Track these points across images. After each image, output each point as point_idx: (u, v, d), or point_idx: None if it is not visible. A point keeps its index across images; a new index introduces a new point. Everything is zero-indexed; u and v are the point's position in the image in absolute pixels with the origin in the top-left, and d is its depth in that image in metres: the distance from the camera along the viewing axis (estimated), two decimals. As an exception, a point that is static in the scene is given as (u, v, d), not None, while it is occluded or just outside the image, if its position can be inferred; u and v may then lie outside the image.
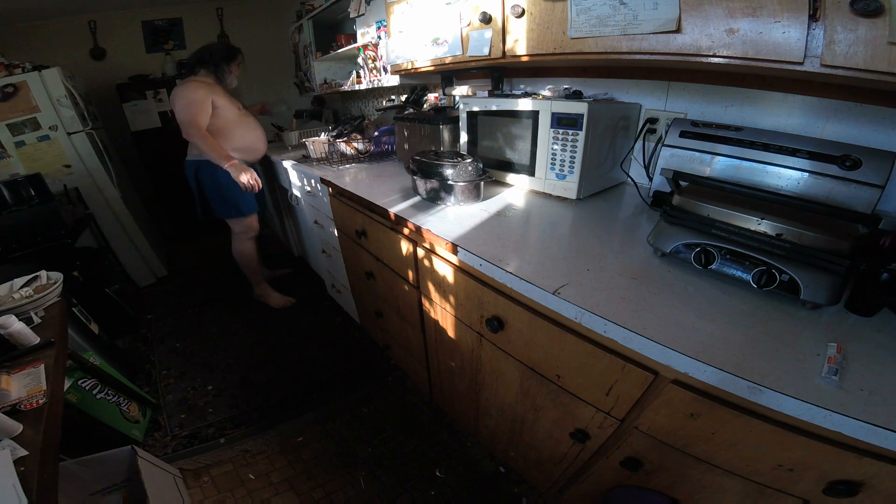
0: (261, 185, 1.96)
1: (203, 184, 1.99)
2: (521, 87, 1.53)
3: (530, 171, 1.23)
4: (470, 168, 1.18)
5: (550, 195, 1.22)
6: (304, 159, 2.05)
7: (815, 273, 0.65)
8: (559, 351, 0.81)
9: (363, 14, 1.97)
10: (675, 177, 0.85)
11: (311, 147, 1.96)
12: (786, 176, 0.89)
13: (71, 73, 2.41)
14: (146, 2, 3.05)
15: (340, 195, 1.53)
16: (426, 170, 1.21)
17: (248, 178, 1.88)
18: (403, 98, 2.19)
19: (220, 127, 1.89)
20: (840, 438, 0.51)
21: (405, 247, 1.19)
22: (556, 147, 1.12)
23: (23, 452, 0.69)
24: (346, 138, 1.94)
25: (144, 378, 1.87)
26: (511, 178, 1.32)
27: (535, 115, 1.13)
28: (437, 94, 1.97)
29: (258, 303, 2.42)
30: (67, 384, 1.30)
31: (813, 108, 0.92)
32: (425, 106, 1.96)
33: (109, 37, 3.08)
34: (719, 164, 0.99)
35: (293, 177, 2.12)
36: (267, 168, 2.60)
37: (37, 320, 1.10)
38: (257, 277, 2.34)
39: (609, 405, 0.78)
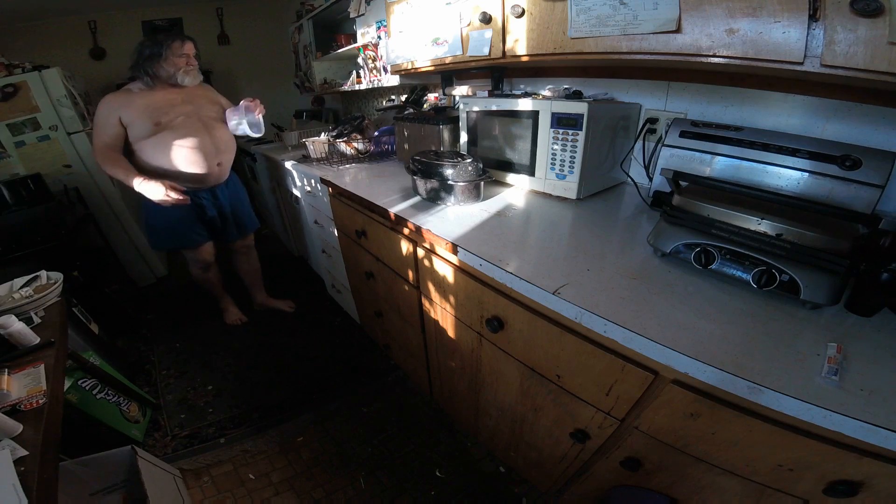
0: (178, 198, 1.56)
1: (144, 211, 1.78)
2: (521, 87, 1.53)
3: (530, 171, 1.23)
4: (470, 168, 1.18)
5: (550, 195, 1.22)
6: (304, 159, 2.05)
7: (815, 273, 0.65)
8: (559, 351, 0.81)
9: (363, 14, 1.97)
10: (675, 177, 0.85)
11: (311, 147, 1.96)
12: (786, 176, 0.89)
13: (71, 73, 2.41)
14: (146, 2, 3.06)
15: (340, 195, 1.53)
16: (426, 170, 1.21)
17: (160, 193, 1.53)
18: (403, 98, 2.19)
19: (133, 148, 1.61)
20: (840, 438, 0.51)
21: (405, 247, 1.19)
22: (556, 147, 1.12)
23: (23, 452, 0.69)
24: (346, 138, 1.94)
25: (144, 378, 1.87)
26: (511, 178, 1.32)
27: (535, 115, 1.13)
28: (437, 94, 1.97)
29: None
30: (67, 384, 1.30)
31: (813, 108, 0.92)
32: (425, 106, 1.96)
33: (109, 37, 3.08)
34: (719, 164, 0.99)
35: (293, 177, 2.12)
36: (273, 170, 2.60)
37: (37, 320, 1.10)
38: (217, 295, 2.19)
39: (609, 405, 0.78)
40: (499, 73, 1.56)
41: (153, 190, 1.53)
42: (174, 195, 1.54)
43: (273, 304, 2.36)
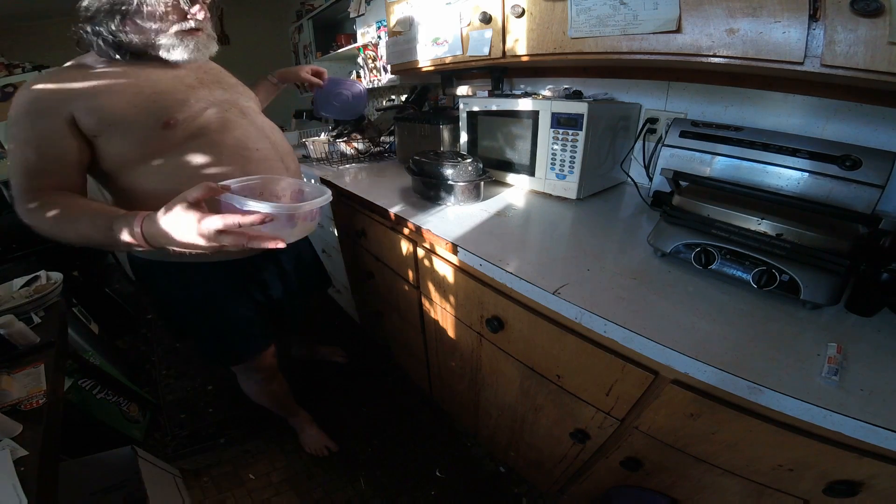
0: (259, 214, 0.62)
1: (156, 299, 1.04)
2: (521, 87, 1.53)
3: (530, 171, 1.23)
4: (470, 168, 1.18)
5: (550, 195, 1.22)
6: (304, 159, 2.05)
7: (815, 273, 0.65)
8: (559, 351, 0.81)
9: (363, 14, 1.97)
10: (675, 177, 0.85)
11: (311, 147, 1.96)
12: (786, 176, 0.89)
13: (71, 73, 2.40)
14: (146, 2, 3.05)
15: (340, 195, 1.53)
16: (426, 170, 1.21)
17: (204, 230, 0.60)
18: (403, 98, 2.19)
19: (120, 170, 0.80)
20: (840, 438, 0.51)
21: (405, 247, 1.19)
22: (556, 147, 1.12)
23: (23, 452, 0.69)
24: (346, 138, 1.94)
25: (144, 378, 1.87)
26: (511, 178, 1.32)
27: (535, 115, 1.13)
28: (437, 94, 1.97)
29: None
30: (67, 384, 1.30)
31: (813, 108, 0.92)
32: (425, 106, 1.96)
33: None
34: (719, 164, 0.99)
35: (293, 177, 2.12)
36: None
37: (37, 320, 1.10)
38: (287, 412, 1.45)
39: (609, 405, 0.78)
40: (499, 73, 1.56)
41: (183, 222, 0.61)
42: (239, 236, 0.63)
43: (320, 354, 1.85)
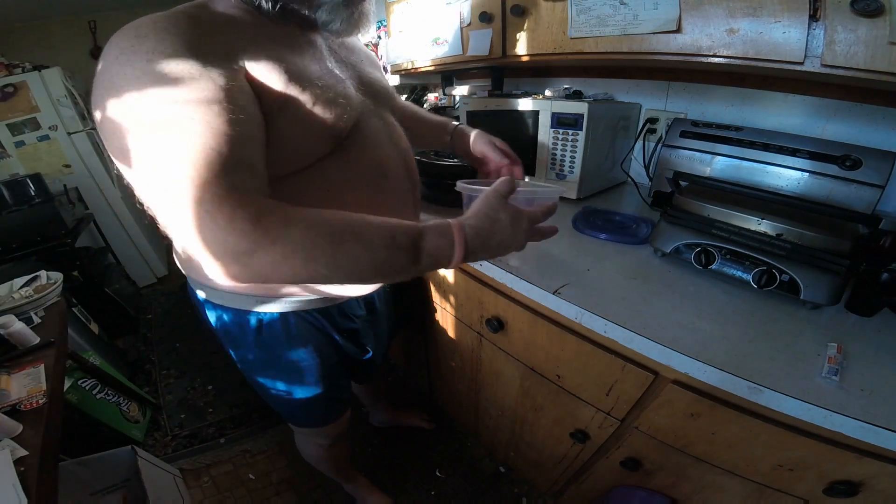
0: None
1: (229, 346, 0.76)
2: (522, 87, 1.53)
3: (530, 170, 1.22)
4: (470, 168, 1.18)
5: (550, 195, 1.22)
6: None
7: (816, 273, 0.65)
8: (559, 351, 0.81)
9: (363, 14, 1.97)
10: (675, 177, 0.85)
11: (311, 147, 1.96)
12: (786, 176, 0.89)
13: (71, 73, 2.41)
14: (146, 1, 3.06)
15: (340, 195, 1.53)
16: (426, 170, 1.21)
17: (521, 221, 0.61)
18: (403, 98, 2.19)
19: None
20: (840, 438, 0.51)
21: (405, 247, 1.19)
22: (556, 147, 1.12)
23: (23, 452, 0.69)
24: (346, 138, 1.94)
25: (144, 378, 1.87)
26: (511, 178, 1.32)
27: (535, 114, 1.13)
28: (437, 94, 1.97)
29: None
30: (67, 384, 1.30)
31: (813, 108, 0.92)
32: (425, 106, 1.96)
33: (109, 37, 3.08)
34: (719, 164, 0.99)
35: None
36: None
37: (37, 320, 1.10)
38: (344, 478, 1.25)
39: (609, 405, 0.78)
40: (499, 73, 1.56)
41: (509, 222, 0.61)
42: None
43: (403, 419, 1.53)
